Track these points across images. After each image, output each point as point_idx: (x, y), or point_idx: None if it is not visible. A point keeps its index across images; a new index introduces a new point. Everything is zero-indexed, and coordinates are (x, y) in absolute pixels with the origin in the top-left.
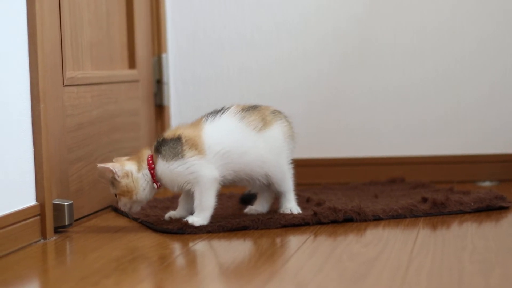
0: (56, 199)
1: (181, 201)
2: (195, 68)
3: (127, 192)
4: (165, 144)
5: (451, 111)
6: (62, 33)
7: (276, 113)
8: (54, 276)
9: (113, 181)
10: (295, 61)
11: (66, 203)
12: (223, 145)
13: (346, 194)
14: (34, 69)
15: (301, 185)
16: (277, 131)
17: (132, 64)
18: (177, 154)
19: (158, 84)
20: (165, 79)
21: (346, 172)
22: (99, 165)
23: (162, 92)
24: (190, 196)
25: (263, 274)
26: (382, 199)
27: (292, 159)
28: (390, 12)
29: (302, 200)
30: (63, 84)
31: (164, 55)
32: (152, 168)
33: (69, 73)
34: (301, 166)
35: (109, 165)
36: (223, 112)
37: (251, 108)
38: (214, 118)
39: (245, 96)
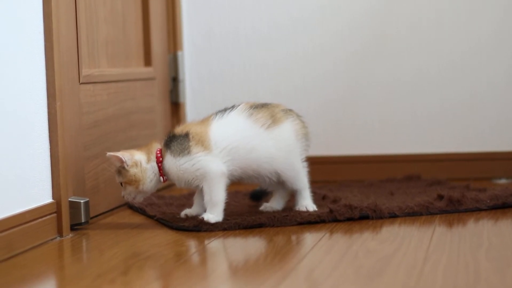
0: (72, 197)
1: (196, 198)
2: (211, 65)
3: (134, 181)
4: (174, 139)
5: (467, 108)
6: (78, 31)
7: (287, 111)
8: (70, 273)
9: (121, 169)
10: (311, 56)
11: (82, 201)
12: (230, 141)
13: (362, 192)
14: (50, 67)
15: (317, 182)
16: (287, 128)
17: (148, 61)
18: (184, 150)
19: (174, 82)
20: (180, 76)
21: (362, 169)
22: (109, 153)
23: (178, 89)
24: (202, 192)
25: (279, 272)
26: (398, 196)
27: (307, 157)
28: (404, 5)
29: (318, 198)
30: (79, 82)
31: (179, 53)
32: (160, 162)
33: (85, 71)
34: (317, 163)
35: (119, 154)
36: (231, 110)
37: (260, 106)
38: (223, 115)
39: (261, 93)
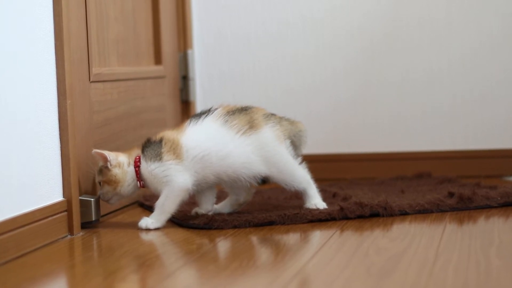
0: (83, 195)
1: (198, 196)
2: (221, 64)
3: (114, 182)
4: (148, 145)
5: (477, 105)
6: (88, 30)
7: (268, 116)
8: (81, 272)
9: (102, 168)
10: (321, 55)
11: (92, 199)
12: (201, 149)
13: (373, 189)
14: (61, 65)
15: (328, 180)
16: (266, 133)
17: (158, 60)
18: (157, 156)
19: (184, 80)
20: (191, 75)
21: (373, 167)
22: (95, 150)
23: (188, 88)
24: (208, 188)
25: (290, 269)
26: (408, 194)
27: (318, 154)
28: (414, 2)
29: (328, 195)
30: (90, 81)
31: (189, 51)
32: (137, 166)
33: (95, 70)
34: (327, 161)
35: (105, 152)
36: (206, 115)
37: (239, 111)
38: (197, 121)
39: (270, 91)
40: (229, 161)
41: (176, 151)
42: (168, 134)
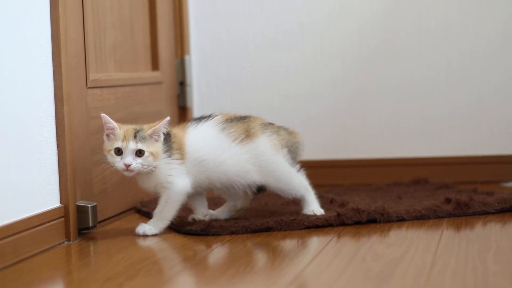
0: (80, 201)
1: (192, 202)
2: (219, 70)
3: (157, 156)
4: None
5: (475, 111)
6: (85, 36)
7: (265, 125)
8: (78, 278)
9: (150, 137)
10: (320, 61)
11: (90, 205)
12: (201, 153)
13: (370, 195)
14: (58, 71)
15: (325, 186)
16: (262, 143)
17: (155, 66)
18: (167, 149)
19: (181, 86)
20: (188, 81)
21: (370, 173)
22: (167, 118)
23: (185, 93)
24: (200, 193)
25: (287, 275)
26: (405, 200)
27: (315, 160)
28: (412, 8)
29: (325, 201)
30: (87, 86)
31: (187, 57)
32: None
33: (92, 75)
34: (324, 167)
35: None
36: (207, 120)
37: (236, 119)
38: (197, 125)
39: (269, 97)
40: (224, 168)
41: (181, 151)
42: (174, 130)
